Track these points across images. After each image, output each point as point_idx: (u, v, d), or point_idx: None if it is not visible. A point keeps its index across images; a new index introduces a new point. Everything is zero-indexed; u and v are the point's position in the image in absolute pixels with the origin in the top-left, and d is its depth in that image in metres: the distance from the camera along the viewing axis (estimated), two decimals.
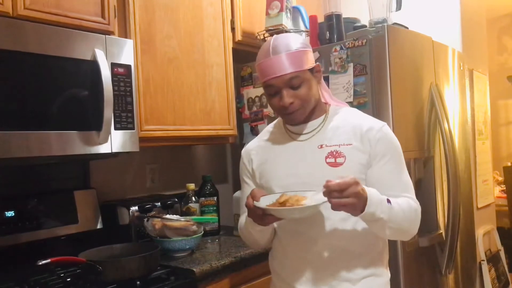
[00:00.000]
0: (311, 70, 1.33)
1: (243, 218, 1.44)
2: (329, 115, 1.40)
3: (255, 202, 1.22)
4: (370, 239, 1.34)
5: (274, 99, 1.34)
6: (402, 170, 1.35)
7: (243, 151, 1.53)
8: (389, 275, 1.40)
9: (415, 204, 1.32)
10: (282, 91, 1.30)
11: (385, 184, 1.27)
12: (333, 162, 1.30)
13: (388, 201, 1.22)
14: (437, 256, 2.18)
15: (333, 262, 1.31)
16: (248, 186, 1.47)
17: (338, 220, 1.31)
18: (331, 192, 1.12)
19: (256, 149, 1.48)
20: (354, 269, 1.31)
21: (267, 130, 1.53)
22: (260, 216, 1.23)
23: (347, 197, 1.12)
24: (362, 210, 1.16)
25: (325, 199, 1.17)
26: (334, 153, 1.31)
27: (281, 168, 1.38)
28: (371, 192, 1.18)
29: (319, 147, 1.34)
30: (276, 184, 1.36)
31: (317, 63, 1.36)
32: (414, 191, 1.36)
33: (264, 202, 1.23)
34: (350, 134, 1.34)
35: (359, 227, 1.32)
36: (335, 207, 1.14)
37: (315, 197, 1.21)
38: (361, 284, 1.31)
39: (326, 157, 1.31)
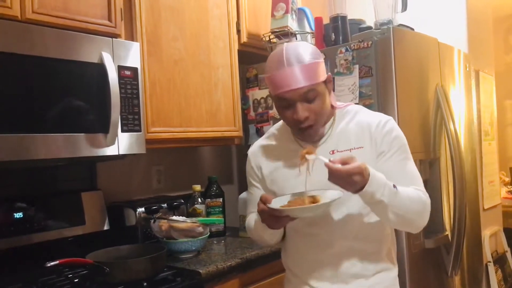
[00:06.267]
0: (324, 81, 1.30)
1: (251, 219, 1.45)
2: (336, 118, 1.39)
3: (268, 205, 1.22)
4: (382, 237, 1.37)
5: (287, 112, 1.31)
6: (408, 162, 1.35)
7: (250, 154, 1.52)
8: (397, 269, 1.43)
9: (424, 196, 1.31)
10: (296, 105, 1.27)
11: (392, 177, 1.25)
12: None
13: (395, 187, 1.21)
14: (443, 258, 2.18)
15: (348, 262, 1.34)
16: (257, 189, 1.47)
17: (351, 221, 1.33)
18: (332, 176, 1.16)
19: (264, 154, 1.46)
20: (368, 265, 1.34)
21: (272, 132, 1.50)
22: (276, 218, 1.23)
23: (346, 183, 1.16)
24: (362, 188, 1.17)
25: (338, 196, 1.20)
26: None
27: (294, 177, 1.36)
28: (376, 175, 1.19)
29: (331, 152, 1.34)
30: (290, 192, 1.34)
31: (328, 73, 1.34)
32: (422, 182, 1.35)
33: (275, 204, 1.23)
34: (359, 136, 1.34)
35: (371, 226, 1.35)
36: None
37: (326, 195, 1.23)
38: (373, 279, 1.35)
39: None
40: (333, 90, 1.59)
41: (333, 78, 2.03)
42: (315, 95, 1.27)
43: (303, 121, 1.28)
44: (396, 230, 1.48)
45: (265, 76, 1.32)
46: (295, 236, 1.42)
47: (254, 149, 1.51)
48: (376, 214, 1.29)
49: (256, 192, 1.48)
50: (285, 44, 1.32)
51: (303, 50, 1.27)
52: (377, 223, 1.36)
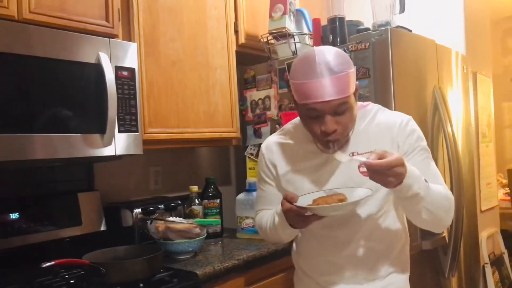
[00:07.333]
0: (353, 92, 1.25)
1: (263, 217, 1.44)
2: (357, 118, 1.35)
3: (295, 203, 1.19)
4: (396, 237, 1.37)
5: (313, 122, 1.26)
6: (431, 161, 1.36)
7: (264, 149, 1.47)
8: (409, 270, 1.42)
9: (450, 194, 1.32)
10: (325, 117, 1.22)
11: None
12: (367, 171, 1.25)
13: (426, 180, 1.21)
14: (440, 259, 2.18)
15: (363, 263, 1.34)
16: (271, 187, 1.45)
17: (367, 221, 1.33)
18: (374, 171, 1.11)
19: (279, 152, 1.43)
20: (382, 267, 1.35)
21: (288, 130, 1.46)
22: (302, 217, 1.21)
23: (391, 176, 1.11)
24: (400, 183, 1.14)
25: (367, 193, 1.18)
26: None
27: (311, 179, 1.35)
28: (412, 167, 1.17)
29: (350, 155, 1.32)
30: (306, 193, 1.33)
31: (356, 82, 1.28)
32: (443, 181, 1.36)
33: (301, 203, 1.21)
34: (380, 138, 1.32)
35: (387, 226, 1.35)
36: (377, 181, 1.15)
37: (352, 193, 1.22)
38: (387, 279, 1.35)
39: (359, 166, 1.28)
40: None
41: None
42: (346, 108, 1.23)
43: (331, 133, 1.23)
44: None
45: (292, 81, 1.26)
46: (310, 237, 1.41)
47: (269, 145, 1.46)
48: (409, 210, 1.26)
49: (269, 189, 1.45)
50: (316, 49, 1.24)
51: (336, 59, 1.21)
52: (391, 223, 1.36)
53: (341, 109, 1.22)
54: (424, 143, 1.36)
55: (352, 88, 1.23)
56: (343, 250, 1.34)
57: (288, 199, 1.21)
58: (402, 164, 1.12)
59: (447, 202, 1.29)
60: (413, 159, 1.31)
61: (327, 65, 1.19)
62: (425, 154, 1.34)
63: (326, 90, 1.19)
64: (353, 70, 1.24)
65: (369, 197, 1.23)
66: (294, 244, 1.52)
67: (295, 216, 1.22)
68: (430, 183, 1.25)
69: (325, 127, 1.23)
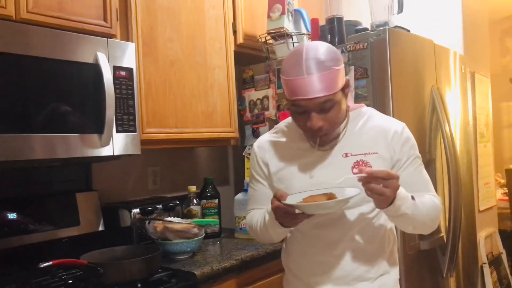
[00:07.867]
0: (342, 88, 1.25)
1: (253, 216, 1.43)
2: (350, 119, 1.36)
3: (284, 201, 1.19)
4: (385, 238, 1.37)
5: (300, 118, 1.28)
6: (422, 169, 1.38)
7: (256, 148, 1.47)
8: (398, 270, 1.43)
9: (438, 202, 1.34)
10: (311, 114, 1.23)
11: (409, 184, 1.26)
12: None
13: (413, 198, 1.23)
14: (438, 259, 2.18)
15: (353, 263, 1.33)
16: (262, 186, 1.45)
17: (358, 222, 1.32)
18: (375, 178, 1.13)
19: (272, 151, 1.42)
20: (372, 268, 1.34)
21: (281, 129, 1.46)
22: (291, 216, 1.21)
23: (387, 187, 1.13)
24: (390, 203, 1.17)
25: (355, 193, 1.18)
26: (360, 162, 1.30)
27: (303, 178, 1.34)
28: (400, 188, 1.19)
29: (344, 155, 1.32)
30: (297, 192, 1.31)
31: (347, 77, 1.29)
32: (433, 187, 1.39)
33: (290, 201, 1.20)
34: (374, 141, 1.33)
35: (377, 228, 1.35)
36: (371, 194, 1.15)
37: (342, 193, 1.22)
38: (378, 282, 1.35)
39: (353, 167, 1.30)
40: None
41: None
42: (332, 105, 1.23)
43: (317, 130, 1.25)
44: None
45: (282, 76, 1.27)
46: (300, 237, 1.41)
47: (261, 144, 1.46)
48: (397, 224, 1.32)
49: (261, 188, 1.45)
50: (306, 46, 1.24)
51: (325, 56, 1.21)
52: (383, 224, 1.36)
53: (327, 105, 1.23)
54: (417, 151, 1.38)
55: (340, 85, 1.24)
56: (333, 250, 1.33)
57: (278, 197, 1.21)
58: (398, 178, 1.15)
59: (434, 213, 1.32)
60: (408, 167, 1.33)
61: (314, 62, 1.19)
62: (418, 162, 1.37)
63: (311, 87, 1.19)
64: (341, 67, 1.24)
65: (362, 198, 1.23)
66: (284, 245, 1.51)
67: (284, 214, 1.21)
68: (421, 191, 1.30)
69: (310, 124, 1.24)
